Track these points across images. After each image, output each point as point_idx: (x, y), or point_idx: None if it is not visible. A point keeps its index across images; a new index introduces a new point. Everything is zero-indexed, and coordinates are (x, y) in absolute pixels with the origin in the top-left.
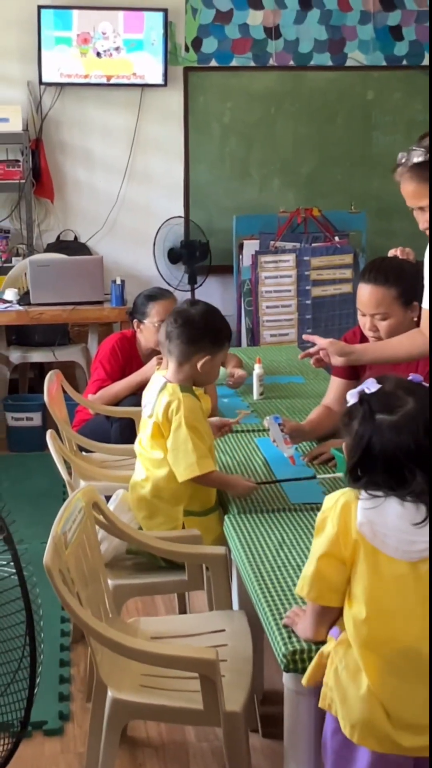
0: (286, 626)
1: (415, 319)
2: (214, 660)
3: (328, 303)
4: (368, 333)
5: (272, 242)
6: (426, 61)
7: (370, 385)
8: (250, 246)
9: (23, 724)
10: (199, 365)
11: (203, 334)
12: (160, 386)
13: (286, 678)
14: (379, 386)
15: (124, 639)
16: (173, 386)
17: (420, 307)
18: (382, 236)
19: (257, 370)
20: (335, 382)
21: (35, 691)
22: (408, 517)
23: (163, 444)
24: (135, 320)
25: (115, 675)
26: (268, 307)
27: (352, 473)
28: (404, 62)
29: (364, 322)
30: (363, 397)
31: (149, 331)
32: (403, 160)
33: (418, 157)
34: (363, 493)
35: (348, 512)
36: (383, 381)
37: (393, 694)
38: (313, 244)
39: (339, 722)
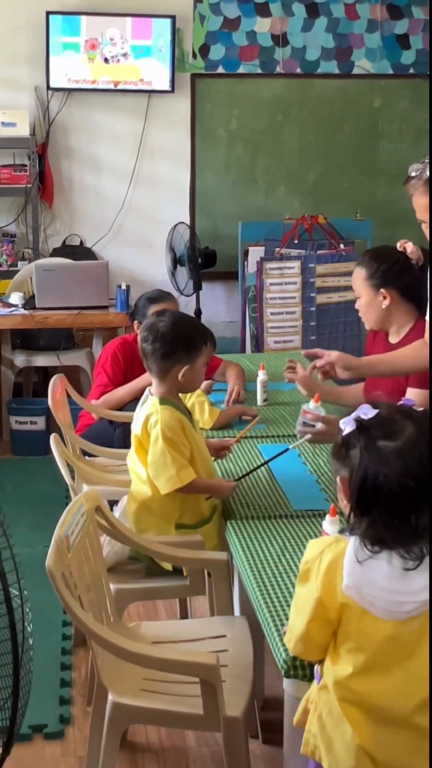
0: (286, 633)
1: (384, 306)
2: (215, 665)
3: (332, 310)
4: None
5: (277, 249)
6: (429, 71)
7: (367, 411)
8: (256, 252)
9: (8, 737)
10: (179, 376)
11: (175, 346)
12: (143, 399)
13: (287, 684)
14: (376, 411)
15: (125, 643)
16: (154, 399)
17: (386, 295)
18: (387, 244)
19: (261, 376)
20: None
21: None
22: (396, 577)
23: (145, 459)
24: (136, 322)
25: (116, 679)
26: (272, 313)
27: (354, 513)
28: (411, 71)
29: (360, 305)
30: (362, 423)
31: None
32: (418, 173)
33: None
34: (351, 546)
35: (333, 572)
36: (378, 406)
37: (377, 741)
38: (319, 252)
39: None
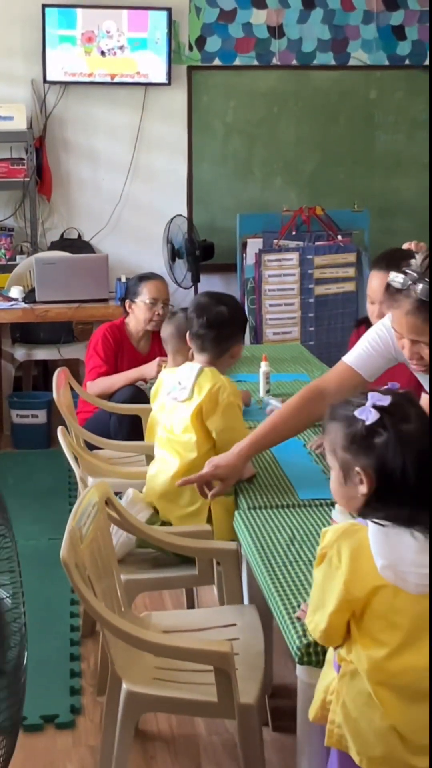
0: (299, 619)
1: None
2: (229, 653)
3: (330, 301)
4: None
5: (275, 241)
6: (428, 61)
7: (380, 399)
8: (254, 244)
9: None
10: (233, 353)
11: (236, 329)
12: (198, 371)
13: (300, 670)
14: (389, 398)
15: (141, 632)
16: (212, 370)
17: None
18: (385, 235)
19: (263, 368)
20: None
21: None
22: (422, 550)
23: (199, 426)
24: (127, 300)
25: (129, 668)
26: (271, 305)
27: (378, 499)
28: (407, 62)
29: (372, 311)
30: (386, 410)
31: (140, 309)
32: (401, 284)
33: (427, 294)
34: (373, 529)
35: (358, 560)
36: (388, 393)
37: (406, 720)
38: (317, 243)
39: (350, 758)
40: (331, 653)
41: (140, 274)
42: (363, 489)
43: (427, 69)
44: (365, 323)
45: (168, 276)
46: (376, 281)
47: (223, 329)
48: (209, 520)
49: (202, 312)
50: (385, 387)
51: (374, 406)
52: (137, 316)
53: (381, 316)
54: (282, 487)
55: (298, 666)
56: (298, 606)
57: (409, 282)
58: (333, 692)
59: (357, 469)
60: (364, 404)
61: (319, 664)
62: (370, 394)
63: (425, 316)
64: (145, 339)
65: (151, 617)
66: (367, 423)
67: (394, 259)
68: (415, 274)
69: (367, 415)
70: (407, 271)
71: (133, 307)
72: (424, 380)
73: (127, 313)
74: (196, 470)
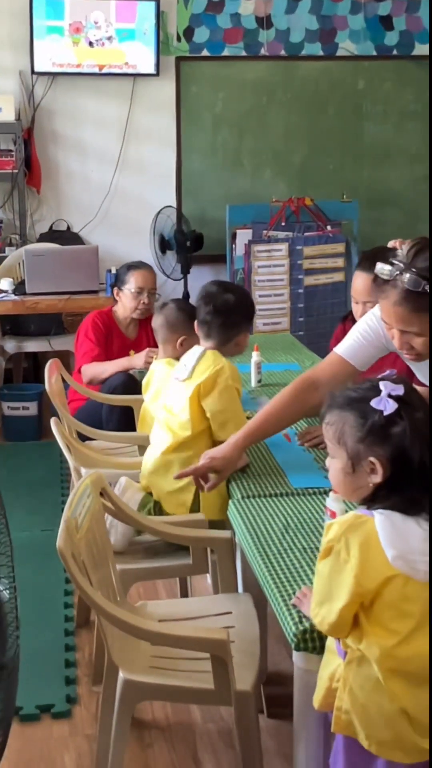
0: (294, 606)
1: None
2: (226, 640)
3: (320, 292)
4: (402, 350)
5: (265, 231)
6: (416, 51)
7: (395, 388)
8: (243, 235)
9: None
10: (238, 341)
11: (242, 316)
12: (201, 353)
13: (296, 657)
14: (401, 386)
15: (139, 621)
16: (214, 353)
17: None
18: (374, 225)
19: (255, 357)
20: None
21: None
22: (426, 538)
23: (196, 407)
24: (115, 288)
25: (125, 657)
26: (261, 296)
27: (389, 488)
28: (395, 52)
29: (357, 310)
30: (403, 400)
31: (127, 297)
32: (388, 275)
33: (414, 284)
34: (381, 520)
35: (368, 551)
36: (400, 382)
37: (416, 703)
38: (306, 234)
39: (356, 744)
40: (331, 641)
41: (129, 263)
42: (376, 478)
43: (414, 59)
44: (351, 317)
45: (157, 268)
46: (360, 281)
47: (229, 317)
48: (197, 496)
49: (210, 299)
50: (385, 374)
51: (390, 396)
52: (124, 304)
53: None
54: (275, 476)
55: (294, 652)
56: (294, 593)
57: (396, 272)
58: (338, 679)
59: (371, 459)
60: (371, 393)
61: (315, 650)
62: (383, 384)
63: (413, 305)
64: (133, 325)
65: (147, 606)
66: (386, 413)
67: (379, 259)
68: (401, 264)
69: (386, 405)
70: (394, 261)
71: (121, 295)
72: (416, 368)
73: (115, 301)
74: (187, 448)
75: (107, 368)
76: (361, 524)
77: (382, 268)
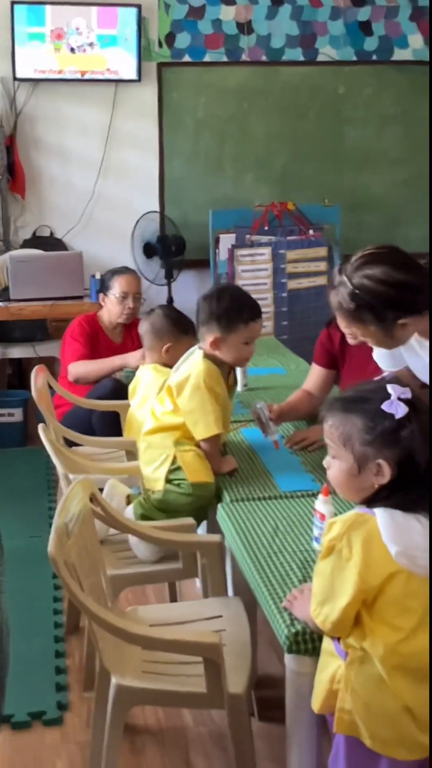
0: (285, 609)
1: None
2: (218, 644)
3: (303, 296)
4: (347, 331)
5: (248, 236)
6: (395, 56)
7: (405, 391)
8: (227, 240)
9: None
10: (233, 342)
11: (236, 316)
12: (191, 351)
13: (288, 659)
14: (407, 389)
15: (132, 627)
16: (200, 352)
17: None
18: (355, 229)
19: None
20: (316, 370)
21: None
22: (426, 534)
23: (173, 400)
24: (101, 293)
25: (117, 662)
26: None
27: (393, 488)
28: (374, 57)
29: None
30: (414, 403)
31: (112, 303)
32: (336, 282)
33: (345, 299)
34: (383, 517)
35: (370, 549)
36: (403, 384)
37: (419, 700)
38: (288, 238)
39: (358, 744)
40: (328, 644)
41: (113, 269)
42: (381, 480)
43: (393, 64)
44: (335, 322)
45: (141, 273)
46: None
47: (220, 317)
48: (175, 466)
49: (207, 299)
50: (384, 375)
51: (405, 399)
52: (110, 309)
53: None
54: (263, 480)
55: (286, 655)
56: (285, 596)
57: (338, 282)
58: (339, 680)
59: (379, 461)
60: (378, 396)
61: (308, 652)
62: (392, 387)
63: (346, 316)
64: (119, 329)
65: (137, 611)
66: (398, 417)
67: None
68: (344, 276)
69: (397, 408)
70: (341, 269)
71: (106, 300)
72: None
73: (101, 306)
74: (164, 430)
75: (102, 366)
76: (362, 522)
77: (335, 273)
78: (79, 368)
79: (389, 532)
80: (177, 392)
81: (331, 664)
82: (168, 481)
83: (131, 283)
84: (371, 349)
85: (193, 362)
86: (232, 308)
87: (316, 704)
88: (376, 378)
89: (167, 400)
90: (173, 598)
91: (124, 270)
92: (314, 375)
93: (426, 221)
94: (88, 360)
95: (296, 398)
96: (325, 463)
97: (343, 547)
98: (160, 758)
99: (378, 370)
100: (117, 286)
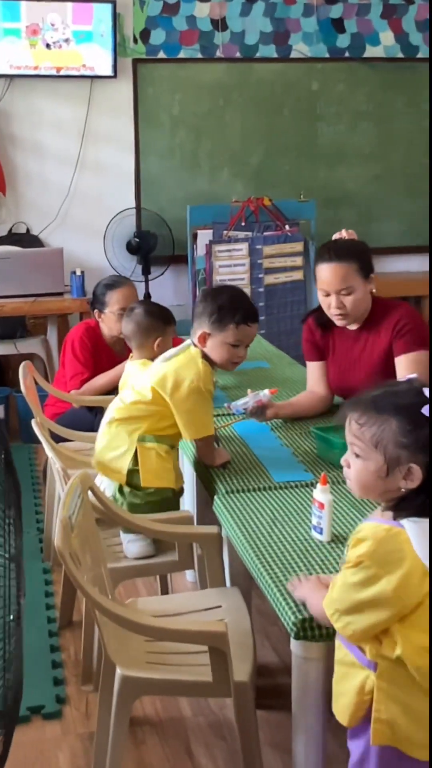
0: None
1: (373, 290)
2: (225, 632)
3: (280, 290)
4: (334, 312)
5: (225, 231)
6: (367, 53)
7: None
8: (204, 236)
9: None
10: (223, 340)
11: (229, 314)
12: (187, 344)
13: (294, 645)
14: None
15: (141, 618)
16: (197, 351)
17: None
18: (330, 224)
19: None
20: (311, 366)
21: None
22: None
23: (157, 392)
24: (96, 310)
25: (121, 653)
26: None
27: (419, 492)
28: (346, 54)
29: (328, 303)
30: None
31: (110, 320)
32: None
33: None
34: (413, 528)
35: (405, 561)
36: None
37: None
38: (265, 233)
39: (396, 752)
40: (344, 654)
41: (105, 282)
42: (410, 484)
43: (365, 61)
44: (312, 315)
45: (118, 270)
46: (327, 272)
47: (212, 314)
48: (135, 461)
49: (204, 295)
50: (410, 377)
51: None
52: (109, 326)
53: (340, 305)
54: (256, 471)
55: (293, 641)
56: (287, 581)
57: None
58: (369, 691)
59: (411, 465)
60: (416, 399)
61: (314, 638)
62: (427, 391)
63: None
64: (120, 343)
65: (137, 603)
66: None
67: (338, 249)
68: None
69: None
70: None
71: (103, 317)
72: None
73: (97, 321)
74: (134, 422)
75: (104, 384)
76: (393, 537)
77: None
78: (90, 389)
79: (422, 543)
80: (171, 390)
81: (353, 674)
82: (128, 480)
83: (128, 297)
84: (351, 338)
85: (190, 361)
86: (226, 307)
87: (346, 718)
88: (401, 379)
89: (146, 387)
90: (165, 591)
91: (117, 282)
92: (311, 372)
93: (399, 216)
94: (91, 376)
95: (300, 397)
96: (343, 460)
97: (374, 565)
98: (161, 749)
99: (360, 359)
100: (114, 302)
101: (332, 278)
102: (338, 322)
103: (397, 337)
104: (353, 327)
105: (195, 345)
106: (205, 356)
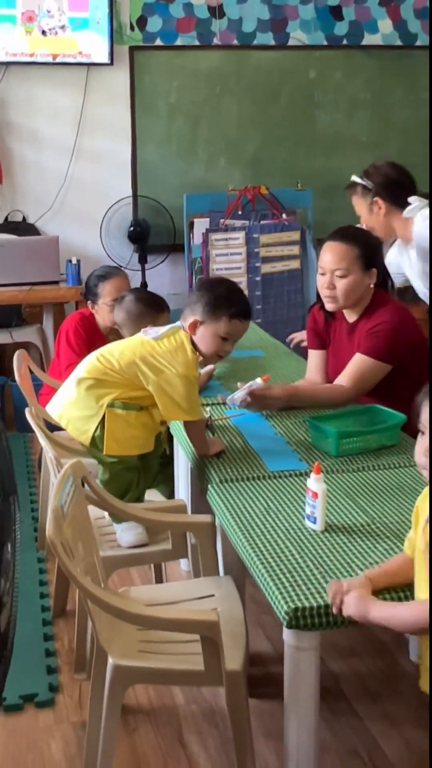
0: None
1: (372, 285)
2: (217, 621)
3: (276, 279)
4: (325, 292)
5: (222, 220)
6: (365, 41)
7: None
8: (201, 224)
9: None
10: (213, 331)
11: (222, 307)
12: (177, 325)
13: (287, 634)
14: None
15: (132, 607)
16: (188, 336)
17: (376, 275)
18: (327, 213)
19: None
20: (313, 355)
21: None
22: None
23: (135, 368)
24: (89, 302)
25: (113, 642)
26: None
27: None
28: (344, 42)
29: (323, 282)
30: None
31: (104, 311)
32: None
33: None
34: None
35: None
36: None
37: None
38: (262, 222)
39: None
40: None
41: (98, 273)
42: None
43: (363, 49)
44: (318, 303)
45: (113, 258)
46: (327, 250)
47: (206, 304)
48: (101, 431)
49: (200, 286)
50: None
51: None
52: (102, 317)
53: (331, 286)
54: (250, 460)
55: (285, 630)
56: (281, 573)
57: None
58: None
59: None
60: None
61: (307, 627)
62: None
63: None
64: (115, 333)
65: (130, 592)
66: None
67: (349, 233)
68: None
69: None
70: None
71: (97, 308)
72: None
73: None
74: (103, 386)
75: None
76: None
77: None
78: None
79: None
80: (156, 373)
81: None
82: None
83: (120, 288)
84: (348, 329)
85: (179, 347)
86: (222, 298)
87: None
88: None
89: (123, 354)
90: (159, 580)
91: (109, 274)
92: (310, 360)
93: None
94: None
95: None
96: (423, 450)
97: None
98: (154, 736)
99: (352, 351)
100: (106, 294)
101: (330, 256)
102: (327, 305)
103: (366, 335)
104: (352, 318)
105: (185, 330)
106: (192, 343)
